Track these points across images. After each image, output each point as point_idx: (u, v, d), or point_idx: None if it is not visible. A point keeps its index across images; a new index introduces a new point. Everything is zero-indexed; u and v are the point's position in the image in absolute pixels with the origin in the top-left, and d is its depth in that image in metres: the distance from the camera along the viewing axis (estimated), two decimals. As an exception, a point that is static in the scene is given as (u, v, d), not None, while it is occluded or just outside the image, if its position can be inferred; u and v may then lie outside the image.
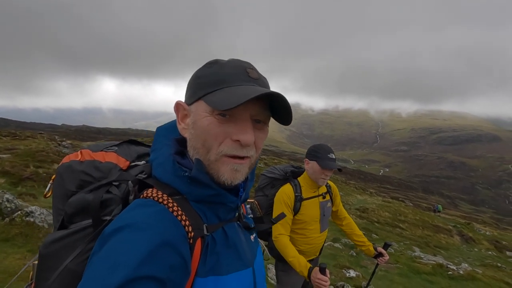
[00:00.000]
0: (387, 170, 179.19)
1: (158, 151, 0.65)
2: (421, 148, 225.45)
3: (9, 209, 4.78)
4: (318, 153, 2.04)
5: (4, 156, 9.57)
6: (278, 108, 0.61)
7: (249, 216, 0.79)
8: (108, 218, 0.60)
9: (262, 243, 0.85)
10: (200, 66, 0.64)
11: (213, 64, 0.62)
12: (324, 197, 2.18)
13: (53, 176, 0.75)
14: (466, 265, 8.66)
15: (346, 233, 2.33)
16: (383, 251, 2.14)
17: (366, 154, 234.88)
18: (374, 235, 11.87)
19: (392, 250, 8.83)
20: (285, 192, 2.05)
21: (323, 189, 2.20)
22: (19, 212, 4.63)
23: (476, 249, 14.97)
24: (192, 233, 0.56)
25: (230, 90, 0.57)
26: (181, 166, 0.60)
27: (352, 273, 5.57)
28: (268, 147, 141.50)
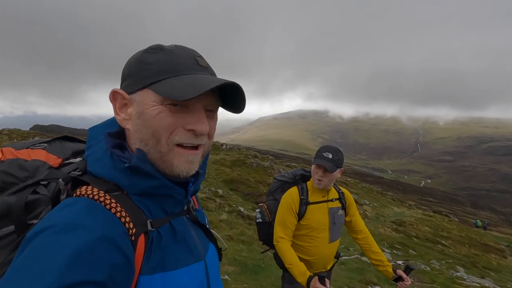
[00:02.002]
0: (429, 181, 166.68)
1: (95, 146, 0.60)
2: (468, 159, 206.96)
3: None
4: (318, 151, 1.94)
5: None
6: (231, 97, 0.61)
7: (201, 209, 0.77)
8: (34, 222, 0.53)
9: (216, 234, 0.87)
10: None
11: (158, 50, 0.58)
12: (334, 203, 2.02)
13: None
14: (520, 290, 7.59)
15: (362, 248, 2.10)
16: (403, 275, 1.86)
17: (405, 163, 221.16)
18: (412, 251, 10.97)
19: (428, 268, 8.05)
20: (290, 194, 1.97)
21: (334, 195, 2.05)
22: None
23: (535, 274, 13.13)
24: (134, 230, 0.53)
25: (182, 79, 0.55)
26: (120, 158, 0.57)
27: (380, 290, 5.14)
28: (300, 155, 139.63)
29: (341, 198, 2.08)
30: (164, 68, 0.56)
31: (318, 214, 1.96)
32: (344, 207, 2.08)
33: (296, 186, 2.01)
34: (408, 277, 1.86)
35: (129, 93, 0.58)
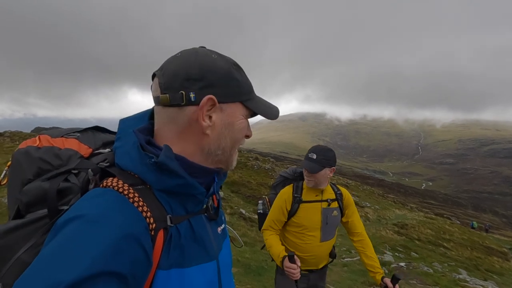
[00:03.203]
0: (430, 184, 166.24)
1: (124, 139, 0.63)
2: (470, 161, 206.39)
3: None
4: (306, 153, 2.01)
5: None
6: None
7: (220, 208, 0.79)
8: (65, 208, 0.57)
9: (234, 231, 0.86)
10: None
11: (239, 68, 0.66)
12: (329, 204, 2.03)
13: (9, 163, 0.70)
14: (523, 293, 7.56)
15: (357, 251, 2.09)
16: (389, 284, 1.79)
17: (406, 166, 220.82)
18: (414, 254, 10.92)
19: (431, 270, 8.02)
20: (285, 191, 2.04)
21: (330, 195, 2.05)
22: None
23: (538, 277, 13.05)
24: (154, 225, 0.55)
25: (261, 100, 0.70)
26: (147, 153, 0.58)
27: (383, 292, 5.13)
28: (300, 157, 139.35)
29: (338, 199, 2.08)
30: (250, 88, 0.67)
31: (310, 213, 1.99)
32: (340, 208, 2.07)
33: (292, 184, 2.07)
34: (393, 287, 1.79)
35: (219, 102, 0.62)
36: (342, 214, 2.10)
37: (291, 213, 1.99)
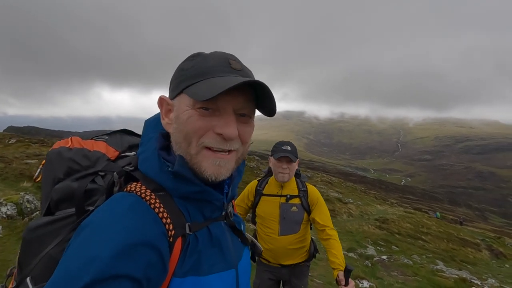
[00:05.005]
0: (409, 180, 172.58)
1: (145, 145, 0.63)
2: (446, 157, 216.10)
3: (28, 209, 5.04)
4: (275, 147, 2.03)
5: (32, 161, 10.08)
6: (262, 99, 0.59)
7: (237, 215, 0.77)
8: (91, 208, 0.59)
9: (253, 238, 0.80)
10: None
11: (196, 57, 0.61)
12: (287, 200, 2.01)
13: (43, 161, 0.74)
14: (493, 280, 8.08)
15: (325, 248, 1.96)
16: (340, 280, 1.67)
17: (387, 163, 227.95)
18: (394, 247, 11.36)
19: (411, 262, 8.39)
20: (251, 184, 2.17)
21: (292, 192, 2.03)
22: (37, 212, 4.86)
23: (507, 265, 13.94)
24: (173, 232, 0.55)
25: (210, 81, 0.56)
26: (166, 161, 0.59)
27: (366, 284, 5.33)
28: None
29: (301, 196, 2.04)
30: (197, 73, 0.58)
31: (269, 207, 2.05)
32: (303, 205, 2.03)
33: (261, 178, 2.19)
34: (344, 280, 1.68)
35: (171, 98, 0.62)
36: (308, 212, 2.04)
37: (254, 205, 2.10)
